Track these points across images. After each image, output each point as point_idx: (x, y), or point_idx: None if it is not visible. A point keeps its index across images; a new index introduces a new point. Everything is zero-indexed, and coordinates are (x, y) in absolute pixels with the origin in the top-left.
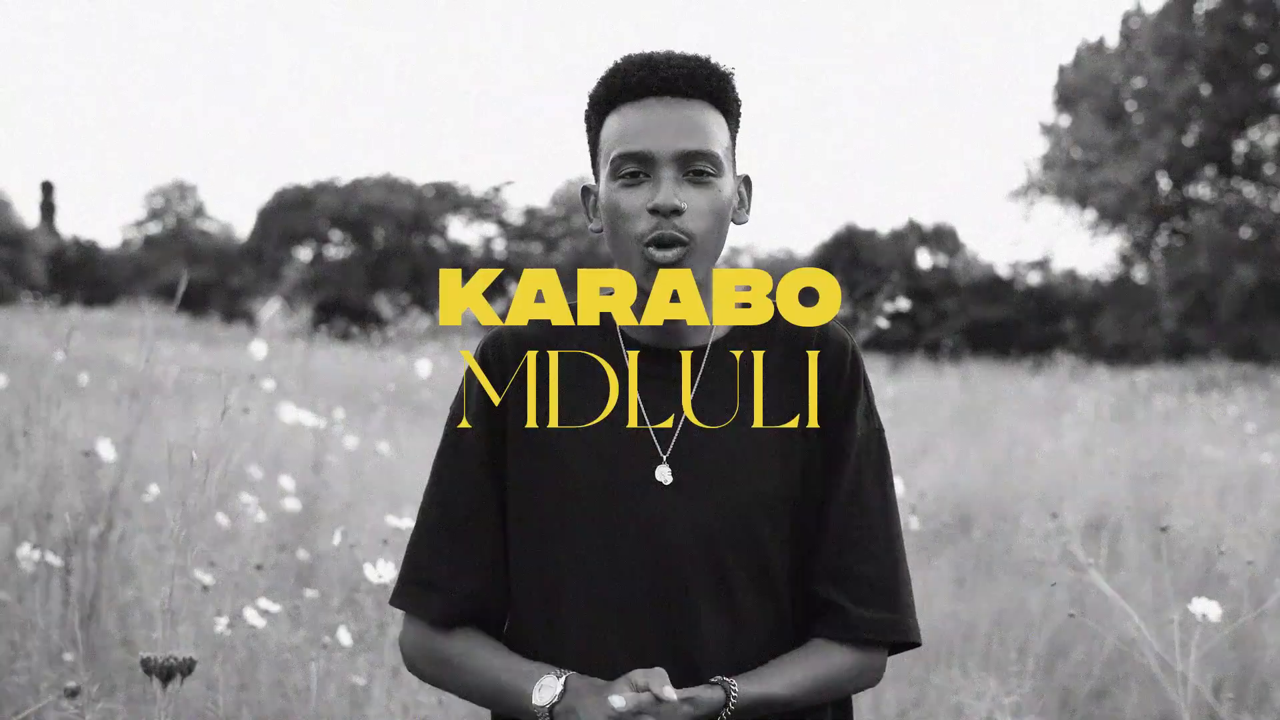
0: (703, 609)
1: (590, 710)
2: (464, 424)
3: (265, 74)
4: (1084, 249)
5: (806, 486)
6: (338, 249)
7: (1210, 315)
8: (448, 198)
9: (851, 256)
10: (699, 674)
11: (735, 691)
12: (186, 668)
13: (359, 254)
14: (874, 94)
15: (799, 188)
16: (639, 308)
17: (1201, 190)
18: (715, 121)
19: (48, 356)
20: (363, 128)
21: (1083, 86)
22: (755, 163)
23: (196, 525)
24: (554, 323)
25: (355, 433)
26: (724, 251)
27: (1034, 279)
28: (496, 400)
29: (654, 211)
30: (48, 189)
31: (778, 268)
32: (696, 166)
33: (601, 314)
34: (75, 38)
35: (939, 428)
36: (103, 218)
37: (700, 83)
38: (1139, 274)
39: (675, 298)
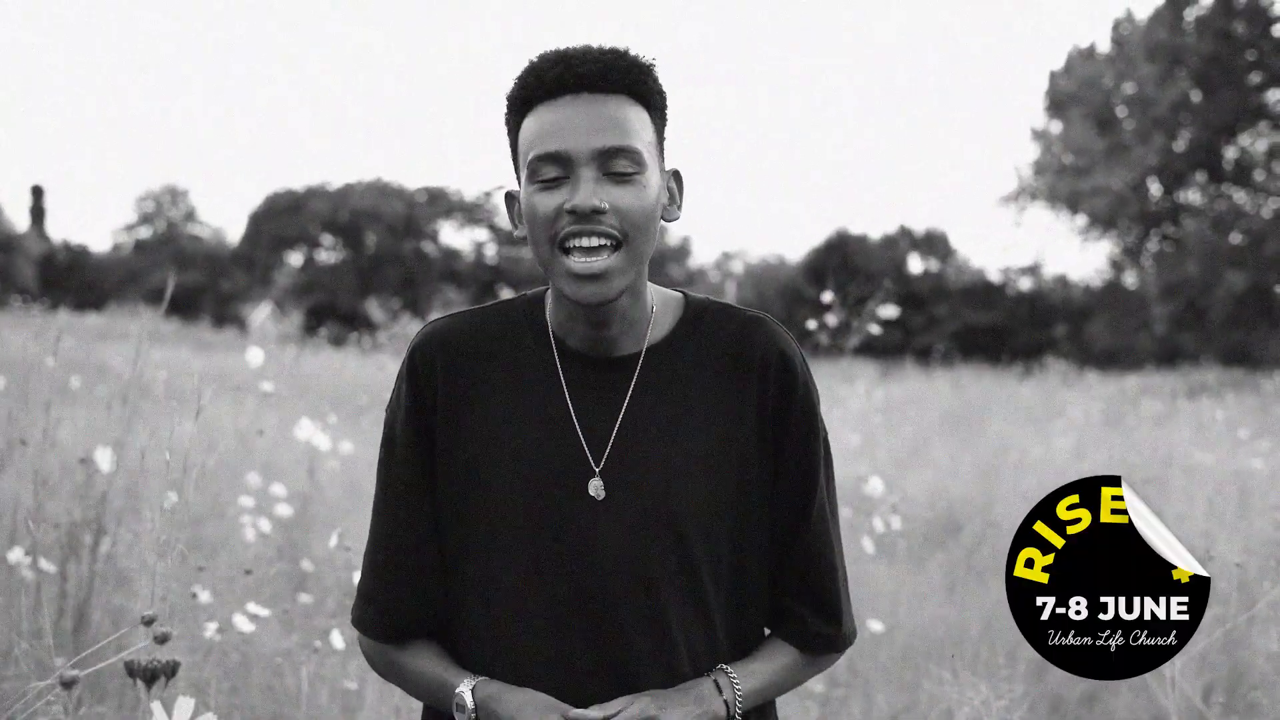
0: (633, 623)
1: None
2: (397, 434)
3: (257, 79)
4: (1075, 254)
5: (746, 498)
6: (329, 253)
7: (1200, 321)
8: (439, 202)
9: (843, 262)
10: (633, 688)
11: (738, 683)
12: (170, 670)
13: (350, 258)
14: (866, 100)
15: (791, 193)
16: (569, 316)
17: (1192, 196)
18: (636, 116)
19: (38, 361)
20: (354, 132)
21: (1074, 92)
22: (746, 168)
23: (189, 530)
24: (487, 321)
25: (346, 437)
26: (714, 255)
27: (1025, 284)
28: (424, 411)
29: (572, 212)
30: (38, 193)
31: (769, 273)
32: (617, 165)
33: (535, 318)
34: (67, 42)
35: (930, 433)
36: (93, 222)
37: (618, 77)
38: (1130, 279)
39: (602, 304)
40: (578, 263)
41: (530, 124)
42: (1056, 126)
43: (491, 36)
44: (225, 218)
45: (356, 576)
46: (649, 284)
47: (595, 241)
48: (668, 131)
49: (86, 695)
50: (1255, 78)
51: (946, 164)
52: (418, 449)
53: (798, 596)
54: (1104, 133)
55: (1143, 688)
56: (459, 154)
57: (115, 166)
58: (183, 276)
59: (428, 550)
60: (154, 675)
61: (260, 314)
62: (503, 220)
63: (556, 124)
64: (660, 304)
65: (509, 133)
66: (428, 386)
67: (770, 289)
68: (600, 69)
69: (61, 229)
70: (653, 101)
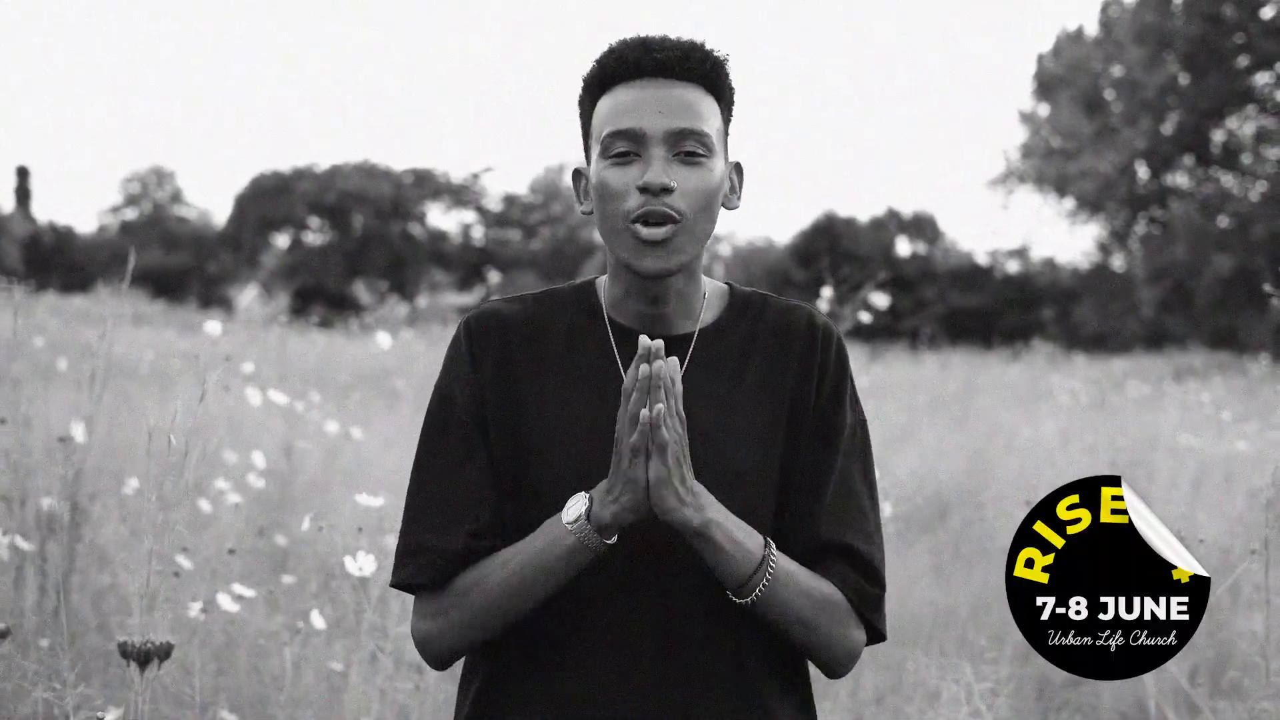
0: (694, 588)
1: (619, 492)
2: (456, 397)
3: (244, 60)
4: (1062, 237)
5: (789, 469)
6: (316, 235)
7: (1188, 304)
8: (426, 184)
9: (831, 245)
10: (686, 659)
11: (775, 558)
12: (164, 652)
13: (337, 240)
14: (854, 82)
15: (778, 175)
16: (625, 292)
17: (1179, 179)
18: (708, 104)
19: (20, 341)
20: (341, 114)
21: (1062, 75)
22: (736, 149)
23: (172, 510)
24: (539, 304)
25: (331, 416)
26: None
27: (1013, 267)
28: (482, 379)
29: (643, 190)
30: (23, 174)
31: (757, 256)
32: (687, 146)
33: (586, 300)
34: (52, 22)
35: (918, 415)
36: (79, 203)
37: (694, 65)
38: (1117, 262)
39: (663, 274)
40: (644, 231)
41: (606, 103)
42: (1044, 109)
43: (479, 19)
44: (212, 199)
45: (337, 557)
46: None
47: (660, 233)
48: (731, 126)
49: (70, 676)
50: (1243, 61)
51: (934, 147)
52: (477, 410)
53: (841, 551)
54: (1092, 116)
55: None
56: (446, 136)
57: (101, 147)
58: (169, 258)
59: (487, 503)
60: (148, 657)
61: (247, 296)
62: (490, 202)
63: (633, 103)
64: (710, 291)
65: (581, 113)
66: (481, 355)
67: (758, 272)
68: (678, 56)
69: (47, 210)
70: (724, 94)
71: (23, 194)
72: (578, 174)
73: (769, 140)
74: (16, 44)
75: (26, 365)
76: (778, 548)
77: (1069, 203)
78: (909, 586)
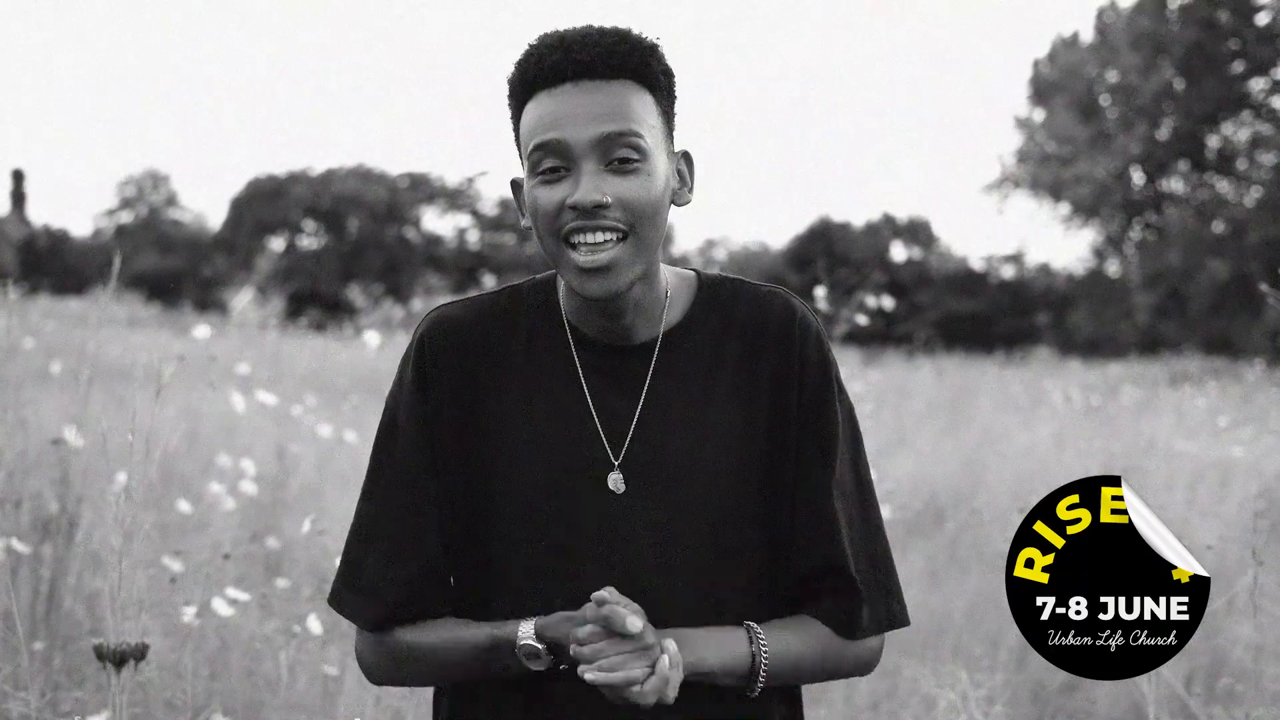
0: (664, 618)
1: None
2: (401, 418)
3: (240, 63)
4: (1058, 242)
5: (772, 476)
6: (311, 239)
7: (1183, 309)
8: (421, 188)
9: (826, 249)
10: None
11: (764, 643)
12: (139, 653)
13: (332, 244)
14: (850, 86)
15: (774, 180)
16: (583, 304)
17: (1175, 184)
18: (639, 101)
19: (15, 343)
20: (337, 118)
21: (1057, 80)
22: (730, 155)
23: (162, 513)
24: (497, 307)
25: (325, 420)
26: (698, 243)
27: (1008, 272)
28: (432, 398)
29: (574, 208)
30: (18, 177)
31: (752, 260)
32: (619, 154)
33: (548, 304)
34: (48, 24)
35: (913, 420)
36: (74, 206)
37: (620, 61)
38: (1112, 268)
39: (611, 297)
40: (584, 258)
41: (530, 112)
42: (1040, 115)
43: (474, 20)
44: (207, 203)
45: (330, 561)
46: (662, 265)
47: (600, 237)
48: (677, 108)
49: (63, 679)
50: (1238, 66)
51: (930, 152)
52: (423, 434)
53: (821, 574)
54: (1087, 121)
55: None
56: (441, 139)
57: (96, 151)
58: (164, 261)
59: (431, 536)
60: (123, 658)
61: (242, 299)
62: (485, 206)
63: (555, 113)
64: (675, 285)
65: (511, 119)
66: (435, 373)
67: (753, 276)
68: (600, 54)
69: (42, 213)
70: (657, 83)
71: (18, 197)
72: (516, 185)
73: (765, 144)
74: (12, 47)
75: (21, 367)
76: (771, 567)
77: (1064, 208)
78: (904, 592)
